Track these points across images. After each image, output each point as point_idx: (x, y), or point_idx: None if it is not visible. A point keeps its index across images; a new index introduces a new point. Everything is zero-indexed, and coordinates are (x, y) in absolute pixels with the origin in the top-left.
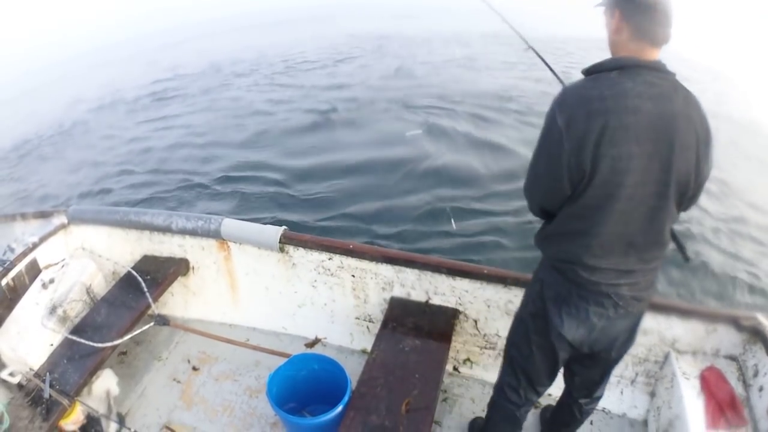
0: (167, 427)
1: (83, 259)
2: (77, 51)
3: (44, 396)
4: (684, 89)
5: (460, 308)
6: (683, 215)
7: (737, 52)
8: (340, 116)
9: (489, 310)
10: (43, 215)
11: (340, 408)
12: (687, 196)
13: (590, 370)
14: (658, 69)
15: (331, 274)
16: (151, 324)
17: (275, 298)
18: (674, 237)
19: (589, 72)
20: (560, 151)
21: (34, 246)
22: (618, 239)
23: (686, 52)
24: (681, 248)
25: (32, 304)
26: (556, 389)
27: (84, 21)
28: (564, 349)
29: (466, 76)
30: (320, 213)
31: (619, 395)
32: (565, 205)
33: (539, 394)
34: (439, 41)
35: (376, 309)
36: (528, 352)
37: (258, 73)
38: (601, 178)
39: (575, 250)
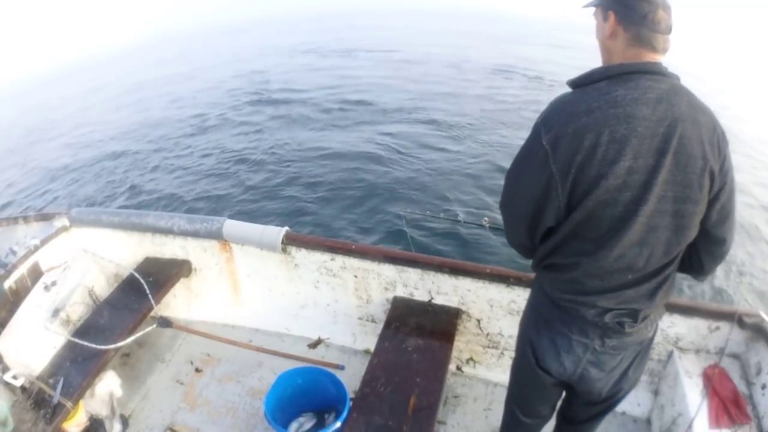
0: (171, 429)
1: (85, 262)
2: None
3: (53, 400)
4: (688, 92)
5: (463, 308)
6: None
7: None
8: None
9: (492, 309)
10: (45, 218)
11: (338, 424)
12: (710, 212)
13: (584, 413)
14: (654, 72)
15: (334, 275)
16: (154, 326)
17: (278, 298)
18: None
19: (575, 84)
20: (545, 173)
21: (36, 249)
22: (612, 266)
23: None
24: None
25: (34, 307)
26: None
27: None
28: (549, 379)
29: None
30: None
31: None
32: (551, 234)
33: (532, 427)
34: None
35: (379, 309)
36: (516, 379)
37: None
38: (593, 202)
39: (563, 280)
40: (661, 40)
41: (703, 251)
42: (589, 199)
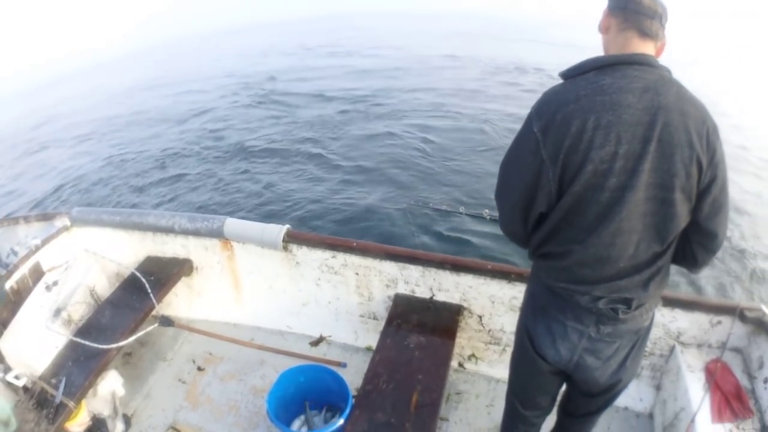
0: (173, 428)
1: (86, 261)
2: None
3: (55, 400)
4: (678, 84)
5: (465, 304)
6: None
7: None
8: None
9: (493, 305)
10: (46, 218)
11: (341, 421)
12: (701, 204)
13: (584, 406)
14: (643, 62)
15: (335, 272)
16: (156, 325)
17: (279, 296)
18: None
19: (566, 75)
20: (537, 160)
21: (37, 248)
22: (603, 255)
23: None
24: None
25: (36, 307)
26: None
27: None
28: (547, 366)
29: None
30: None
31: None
32: (544, 221)
33: (532, 424)
34: None
35: (381, 306)
36: (515, 368)
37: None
38: (580, 187)
39: (557, 268)
40: (647, 22)
41: (695, 244)
42: (577, 183)
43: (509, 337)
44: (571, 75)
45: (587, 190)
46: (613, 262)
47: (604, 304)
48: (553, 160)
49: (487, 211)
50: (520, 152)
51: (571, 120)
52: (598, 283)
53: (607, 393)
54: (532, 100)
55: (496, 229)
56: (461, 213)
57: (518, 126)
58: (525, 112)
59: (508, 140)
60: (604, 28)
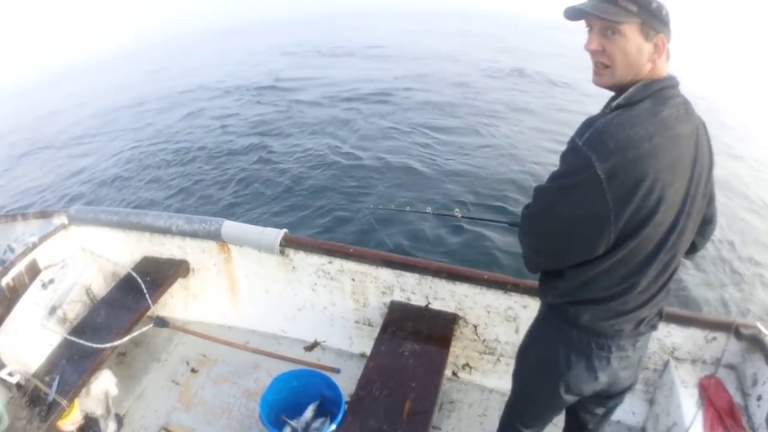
0: (165, 429)
1: (83, 260)
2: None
3: (48, 398)
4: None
5: (460, 313)
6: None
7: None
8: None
9: (489, 315)
10: (44, 215)
11: (333, 427)
12: (705, 214)
13: (598, 413)
14: (674, 85)
15: (331, 278)
16: (151, 325)
17: (275, 300)
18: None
19: (619, 106)
20: (598, 203)
21: (34, 246)
22: (652, 285)
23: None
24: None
25: (32, 305)
26: None
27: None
28: (574, 398)
29: None
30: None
31: None
32: (592, 263)
33: None
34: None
35: (376, 313)
36: (529, 404)
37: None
38: (651, 227)
39: (605, 308)
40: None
41: (695, 233)
42: (650, 225)
43: (504, 348)
44: (625, 105)
45: (653, 228)
46: (661, 279)
47: (645, 325)
48: (621, 203)
49: (457, 210)
50: (575, 191)
51: (647, 160)
52: (646, 304)
53: (625, 392)
54: (532, 102)
55: (470, 230)
56: (429, 213)
57: (517, 128)
58: (524, 114)
59: (505, 141)
60: (663, 58)
